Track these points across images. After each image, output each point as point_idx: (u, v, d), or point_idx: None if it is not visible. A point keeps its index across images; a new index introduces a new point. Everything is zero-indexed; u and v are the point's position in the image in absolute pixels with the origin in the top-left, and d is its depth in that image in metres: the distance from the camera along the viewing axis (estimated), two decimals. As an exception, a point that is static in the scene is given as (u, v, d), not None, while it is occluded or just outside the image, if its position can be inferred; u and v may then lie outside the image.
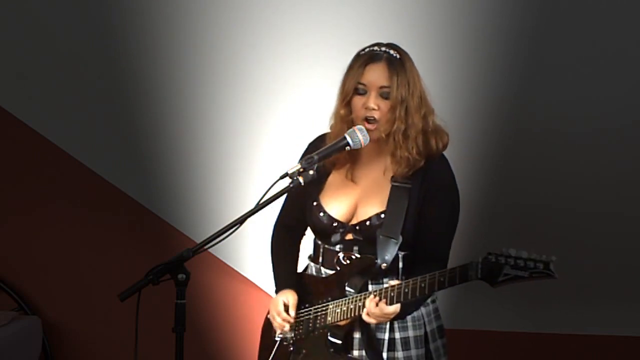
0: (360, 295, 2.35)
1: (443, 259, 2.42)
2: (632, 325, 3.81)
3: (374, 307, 2.27)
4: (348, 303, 2.37)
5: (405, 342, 2.43)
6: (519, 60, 3.26)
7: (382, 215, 2.38)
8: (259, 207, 2.24)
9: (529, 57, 3.26)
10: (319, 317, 2.47)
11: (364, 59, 2.37)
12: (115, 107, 3.70)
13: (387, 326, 2.42)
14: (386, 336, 2.43)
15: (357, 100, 2.37)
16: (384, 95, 2.35)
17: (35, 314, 4.18)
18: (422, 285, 2.20)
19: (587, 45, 3.22)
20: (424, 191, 2.39)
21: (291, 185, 2.26)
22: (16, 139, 4.18)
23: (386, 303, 2.25)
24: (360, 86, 2.36)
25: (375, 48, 2.39)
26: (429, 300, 2.50)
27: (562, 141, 3.38)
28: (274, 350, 2.57)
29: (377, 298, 2.26)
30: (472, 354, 3.86)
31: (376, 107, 2.35)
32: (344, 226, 2.44)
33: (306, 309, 2.51)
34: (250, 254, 3.92)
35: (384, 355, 2.42)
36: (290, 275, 2.60)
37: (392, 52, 2.38)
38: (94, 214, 4.21)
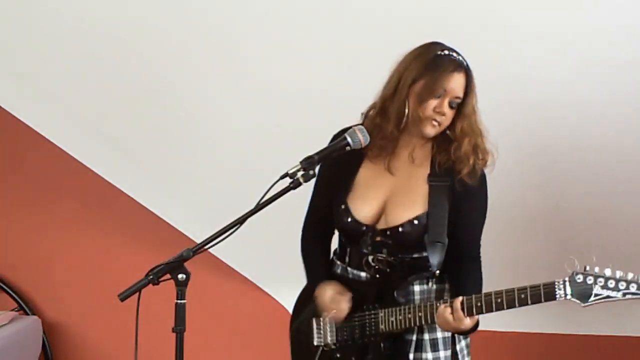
0: (420, 306, 2.33)
1: (478, 258, 2.45)
2: (632, 325, 3.81)
3: (449, 316, 2.26)
4: (405, 313, 2.34)
5: (433, 343, 2.43)
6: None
7: (416, 222, 2.37)
8: (259, 207, 2.24)
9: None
10: (367, 325, 2.42)
11: (453, 65, 2.36)
12: (115, 107, 3.69)
13: (415, 327, 2.41)
14: (414, 337, 2.42)
15: (432, 102, 2.36)
16: (452, 104, 2.37)
17: (35, 314, 4.18)
18: (499, 300, 2.21)
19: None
20: (460, 186, 2.39)
21: (291, 186, 2.24)
22: (15, 139, 4.19)
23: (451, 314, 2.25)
24: (441, 90, 2.36)
25: (454, 55, 2.38)
26: None
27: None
28: (317, 357, 2.50)
29: (450, 308, 2.26)
30: (474, 354, 3.86)
31: (445, 114, 2.37)
32: (373, 230, 2.42)
33: (352, 316, 2.44)
34: (251, 254, 3.92)
35: (411, 356, 2.41)
36: (326, 269, 2.56)
37: (466, 63, 2.39)
38: (94, 213, 4.22)
